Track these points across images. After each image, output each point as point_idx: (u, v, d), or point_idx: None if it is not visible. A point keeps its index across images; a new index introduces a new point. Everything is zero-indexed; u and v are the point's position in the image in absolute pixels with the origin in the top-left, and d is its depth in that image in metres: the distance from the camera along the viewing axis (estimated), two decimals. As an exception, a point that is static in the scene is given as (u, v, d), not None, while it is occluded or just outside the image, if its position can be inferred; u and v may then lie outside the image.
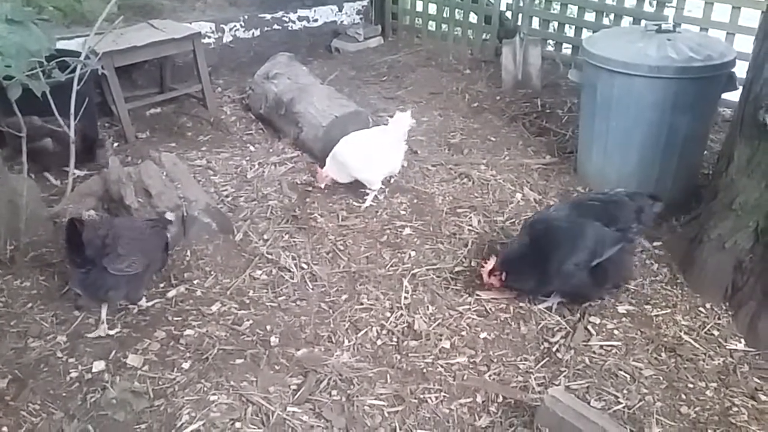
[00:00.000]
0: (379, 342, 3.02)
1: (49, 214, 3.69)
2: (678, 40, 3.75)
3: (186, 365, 2.85)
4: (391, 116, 4.17)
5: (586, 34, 5.73)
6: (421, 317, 3.15)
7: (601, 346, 2.96)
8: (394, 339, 3.03)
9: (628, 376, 2.80)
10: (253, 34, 6.45)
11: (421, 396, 2.72)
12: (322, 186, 4.15)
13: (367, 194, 4.10)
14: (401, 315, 3.17)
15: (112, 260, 2.89)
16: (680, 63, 3.63)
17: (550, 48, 6.25)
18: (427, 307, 3.23)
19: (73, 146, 3.73)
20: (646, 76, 3.69)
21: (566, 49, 6.21)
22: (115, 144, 4.94)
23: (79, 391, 2.71)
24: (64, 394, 2.71)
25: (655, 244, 3.64)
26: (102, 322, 3.03)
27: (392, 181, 4.27)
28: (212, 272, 3.44)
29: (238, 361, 2.88)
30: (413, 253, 3.62)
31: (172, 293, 3.28)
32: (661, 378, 2.79)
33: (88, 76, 3.78)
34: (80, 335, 3.01)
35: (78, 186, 3.93)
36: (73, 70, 3.59)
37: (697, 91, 3.70)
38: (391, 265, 3.53)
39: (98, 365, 2.83)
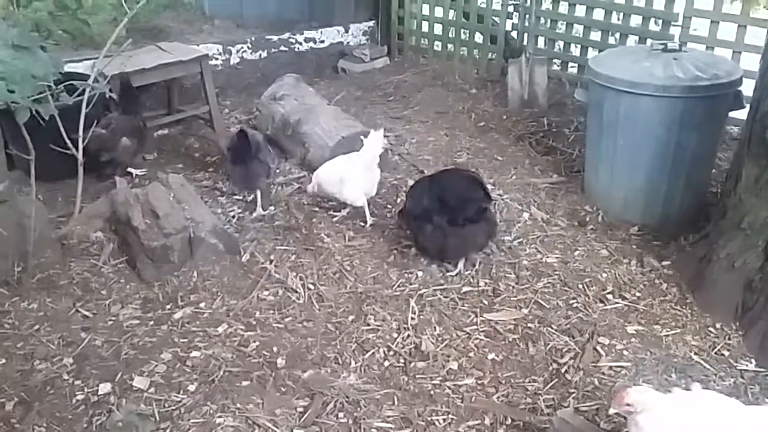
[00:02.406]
0: (386, 363, 3.00)
1: (57, 236, 3.71)
2: (684, 59, 3.76)
3: (192, 387, 2.83)
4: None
5: (592, 53, 5.76)
6: (428, 338, 3.13)
7: (611, 367, 2.93)
8: (402, 360, 3.01)
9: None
10: (260, 55, 6.52)
11: (429, 418, 2.69)
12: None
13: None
14: (408, 336, 3.16)
15: (266, 156, 4.21)
16: (687, 82, 3.63)
17: (556, 67, 6.28)
18: (435, 327, 3.21)
19: (81, 168, 3.75)
20: (653, 95, 3.69)
21: (572, 68, 6.23)
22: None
23: (85, 414, 2.70)
24: (70, 417, 2.69)
25: (664, 263, 3.62)
26: (258, 206, 4.19)
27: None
28: (219, 293, 3.44)
29: (245, 383, 2.86)
30: (420, 274, 3.61)
31: (178, 315, 3.28)
32: (672, 399, 2.75)
33: (97, 98, 3.82)
34: (86, 357, 3.00)
35: (85, 208, 3.95)
36: (82, 93, 3.63)
37: (704, 110, 3.70)
38: (398, 286, 3.52)
39: (104, 387, 2.82)
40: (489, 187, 4.37)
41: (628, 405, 2.10)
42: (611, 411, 2.18)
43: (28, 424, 2.66)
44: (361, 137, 4.12)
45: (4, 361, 2.99)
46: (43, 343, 3.08)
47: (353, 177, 4.00)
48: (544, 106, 5.74)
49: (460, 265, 3.63)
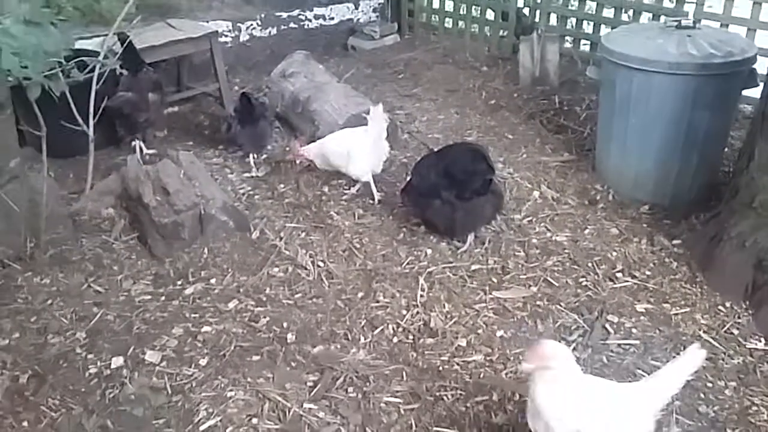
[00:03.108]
0: (395, 340, 3.02)
1: (69, 212, 3.73)
2: (698, 37, 3.71)
3: (203, 361, 2.87)
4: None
5: (604, 30, 5.68)
6: (437, 315, 3.14)
7: (619, 345, 2.94)
8: (410, 337, 3.03)
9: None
10: (269, 32, 6.48)
11: (437, 394, 2.71)
12: (297, 162, 4.32)
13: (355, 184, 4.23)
14: (417, 313, 3.17)
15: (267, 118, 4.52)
16: (700, 59, 3.59)
17: (568, 45, 6.20)
18: (444, 305, 3.22)
19: (92, 145, 3.77)
20: (666, 72, 3.65)
21: (584, 46, 6.16)
22: (134, 143, 4.98)
23: (98, 387, 2.74)
24: (83, 390, 2.74)
25: (674, 242, 3.61)
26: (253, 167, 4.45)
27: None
28: (229, 269, 3.46)
29: (255, 357, 2.90)
30: (429, 251, 3.61)
31: (189, 290, 3.30)
32: (680, 378, 2.76)
33: (107, 75, 3.82)
34: (99, 331, 3.04)
35: (96, 185, 3.97)
36: (92, 70, 3.63)
37: (717, 88, 3.66)
38: (408, 263, 3.52)
39: (117, 361, 2.86)
40: (499, 165, 4.41)
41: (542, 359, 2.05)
42: (524, 367, 2.11)
43: (42, 396, 2.71)
44: (363, 114, 4.12)
45: (17, 335, 3.03)
46: (56, 318, 3.12)
47: (362, 152, 4.01)
48: (555, 84, 5.69)
49: (470, 239, 3.63)
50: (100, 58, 3.70)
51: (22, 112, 3.82)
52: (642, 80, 3.74)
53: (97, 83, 3.73)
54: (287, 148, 4.51)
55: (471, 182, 3.51)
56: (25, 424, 2.59)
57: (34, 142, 3.92)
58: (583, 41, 6.17)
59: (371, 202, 4.09)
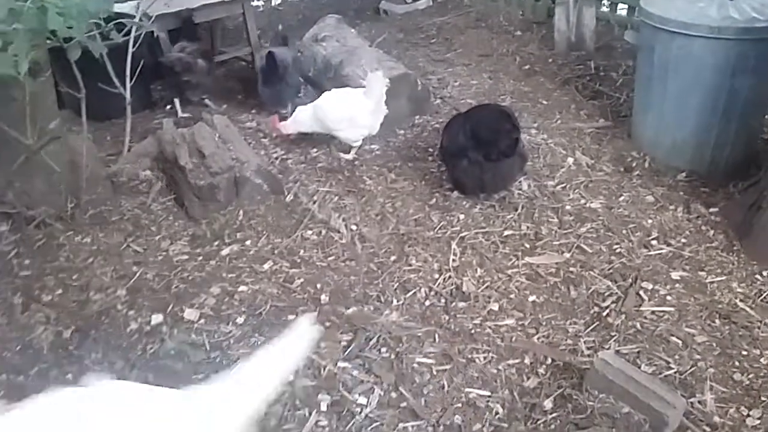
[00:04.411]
0: (427, 303, 3.05)
1: (107, 173, 3.80)
2: (740, 0, 3.61)
3: (240, 320, 2.93)
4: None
5: (643, -6, 5.54)
6: (469, 279, 3.16)
7: (653, 312, 2.93)
8: (442, 300, 3.06)
9: (680, 342, 2.76)
10: (302, -5, 6.45)
11: (469, 356, 2.74)
12: (284, 134, 4.31)
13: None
14: (449, 277, 3.19)
15: (291, 76, 4.61)
16: (742, 23, 3.49)
17: (604, 9, 6.07)
18: (476, 269, 3.23)
19: (129, 107, 3.81)
20: (707, 37, 3.55)
21: (621, 10, 6.02)
22: (168, 106, 5.03)
23: (139, 342, 2.83)
24: (124, 345, 2.82)
25: (711, 210, 3.56)
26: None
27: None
28: (264, 232, 3.51)
29: (290, 317, 2.95)
30: (462, 217, 3.62)
31: (225, 251, 3.36)
32: (715, 345, 2.75)
33: (142, 39, 3.85)
34: (138, 289, 3.12)
35: (133, 147, 4.03)
36: (129, 32, 3.65)
37: (759, 53, 3.55)
38: (440, 228, 3.53)
39: (156, 318, 2.94)
40: (532, 131, 4.37)
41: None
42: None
43: (85, 350, 2.80)
44: (361, 80, 4.09)
45: (60, 291, 3.12)
46: (97, 276, 3.20)
47: (363, 116, 4.04)
48: (591, 49, 5.59)
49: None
50: (136, 20, 3.71)
51: (60, 74, 3.88)
52: (682, 45, 3.66)
53: (133, 46, 3.76)
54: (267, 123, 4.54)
55: (497, 143, 3.52)
56: (69, 376, 2.68)
57: (72, 104, 3.98)
58: (620, 5, 6.03)
59: (407, 166, 4.09)
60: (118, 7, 4.61)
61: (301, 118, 4.21)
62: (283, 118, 4.33)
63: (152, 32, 3.95)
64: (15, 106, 3.05)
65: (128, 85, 3.76)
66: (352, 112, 4.05)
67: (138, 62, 3.89)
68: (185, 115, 4.74)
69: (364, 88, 4.09)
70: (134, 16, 3.91)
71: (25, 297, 3.08)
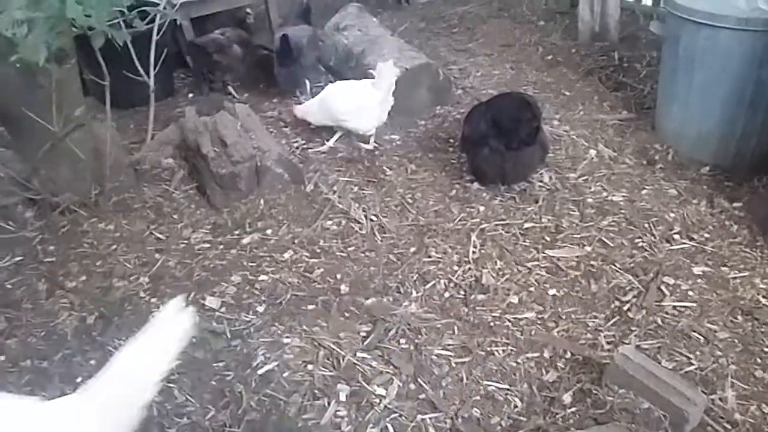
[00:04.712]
0: (446, 294, 3.05)
1: (130, 161, 3.84)
2: (769, -10, 3.54)
3: (261, 309, 2.96)
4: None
5: (669, -16, 5.46)
6: (489, 272, 3.15)
7: (675, 307, 2.90)
8: (462, 292, 3.06)
9: (701, 338, 2.74)
10: (323, -16, 6.42)
11: (488, 349, 2.75)
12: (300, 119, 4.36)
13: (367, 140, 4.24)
14: (469, 269, 3.18)
15: (306, 57, 4.70)
16: (772, 15, 3.44)
17: (629, -1, 5.99)
18: (496, 262, 3.22)
19: (152, 95, 3.83)
20: (734, 28, 3.49)
21: (646, 0, 5.93)
22: (190, 95, 5.07)
23: (161, 329, 2.86)
24: (147, 332, 2.86)
25: (735, 204, 3.51)
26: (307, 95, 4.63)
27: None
28: (284, 221, 3.53)
29: (310, 306, 2.97)
30: (482, 208, 3.61)
31: (246, 240, 3.39)
32: (737, 341, 2.72)
33: (166, 27, 3.87)
34: (161, 277, 3.16)
35: (156, 135, 4.07)
36: (153, 20, 3.67)
37: (788, 46, 3.50)
38: (460, 220, 3.53)
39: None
40: (554, 122, 4.34)
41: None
42: None
43: (108, 337, 2.85)
44: (370, 70, 4.09)
45: (84, 278, 3.18)
46: (121, 263, 3.24)
47: (372, 107, 4.04)
48: (615, 40, 5.51)
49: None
50: (160, 8, 3.72)
51: (85, 61, 3.91)
52: (708, 36, 3.60)
53: (157, 34, 3.77)
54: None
55: (518, 131, 3.51)
56: (92, 362, 2.73)
57: (96, 92, 4.02)
58: (645, -5, 5.94)
59: (428, 157, 4.07)
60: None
61: (310, 111, 4.23)
62: (298, 102, 4.37)
63: (175, 20, 3.94)
64: (41, 93, 3.09)
65: (152, 73, 3.78)
66: (359, 102, 4.06)
67: (161, 50, 3.91)
68: (239, 98, 4.94)
69: (373, 78, 4.08)
70: (158, 4, 3.92)
71: (49, 283, 3.13)
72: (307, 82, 4.82)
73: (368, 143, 4.20)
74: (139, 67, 3.73)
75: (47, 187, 3.39)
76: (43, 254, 3.31)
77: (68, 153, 3.31)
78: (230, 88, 5.00)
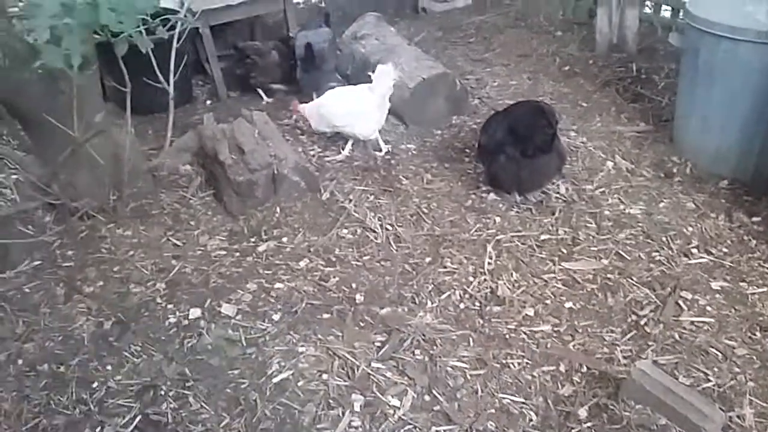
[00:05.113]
0: (461, 305, 3.04)
1: (149, 167, 3.87)
2: (791, 5, 3.52)
3: (276, 317, 2.97)
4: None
5: (688, -5, 5.44)
6: (504, 283, 3.14)
7: (692, 322, 2.88)
8: (477, 304, 3.05)
9: (719, 354, 2.72)
10: (342, -8, 6.45)
11: (504, 361, 2.74)
12: (293, 116, 4.51)
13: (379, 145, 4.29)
14: (484, 280, 3.18)
15: (327, 63, 4.85)
16: (793, 29, 3.41)
17: (647, 10, 5.96)
18: (511, 273, 3.21)
19: (172, 102, 3.86)
20: (754, 41, 3.47)
21: (665, 11, 5.90)
22: (208, 102, 5.11)
23: (177, 336, 2.88)
24: (163, 338, 2.88)
25: (754, 219, 3.48)
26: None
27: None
28: (300, 229, 3.54)
29: (325, 315, 2.97)
30: (498, 219, 3.60)
31: (262, 247, 3.40)
32: (755, 357, 2.69)
33: (186, 34, 3.90)
34: (177, 283, 3.17)
35: (174, 142, 4.09)
36: (173, 28, 3.70)
37: (809, 59, 3.47)
38: (476, 230, 3.52)
39: (195, 312, 2.99)
40: (571, 133, 4.32)
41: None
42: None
43: (125, 342, 2.87)
44: (369, 73, 4.11)
45: (101, 283, 3.20)
46: (138, 268, 3.26)
47: (370, 111, 4.05)
48: (633, 51, 5.49)
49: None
50: (181, 16, 3.76)
51: (105, 68, 3.95)
52: (728, 49, 3.58)
53: (177, 41, 3.81)
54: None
55: (533, 138, 3.51)
56: (108, 367, 2.75)
57: (115, 98, 4.05)
58: (664, 7, 5.90)
59: (444, 166, 4.07)
60: (163, 2, 4.71)
61: (310, 116, 4.25)
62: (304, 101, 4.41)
63: (197, 28, 3.98)
64: (62, 99, 3.12)
65: (172, 80, 3.81)
66: (354, 108, 4.07)
67: (181, 57, 3.94)
68: (269, 100, 5.09)
69: (371, 82, 4.09)
70: (179, 12, 3.96)
71: (67, 288, 3.16)
72: (329, 86, 4.84)
73: (381, 150, 4.22)
74: (159, 74, 3.76)
75: (66, 192, 3.42)
76: (62, 259, 3.34)
77: (88, 158, 3.34)
78: (260, 91, 5.09)
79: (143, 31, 3.18)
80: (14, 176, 3.82)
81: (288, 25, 5.29)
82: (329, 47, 4.94)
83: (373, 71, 4.09)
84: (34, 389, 2.65)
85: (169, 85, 3.78)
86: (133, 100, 3.65)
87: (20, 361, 2.78)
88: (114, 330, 2.94)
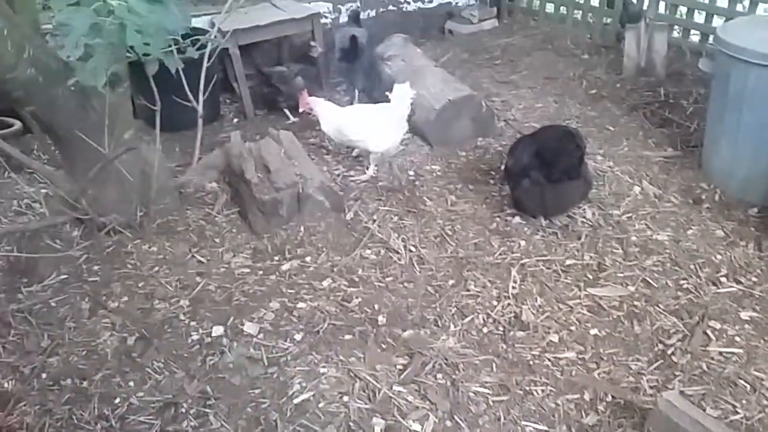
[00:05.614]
0: (485, 330, 3.01)
1: (175, 184, 3.91)
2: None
3: (298, 337, 2.96)
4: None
5: (717, 21, 5.40)
6: (528, 308, 3.11)
7: (721, 353, 2.82)
8: (501, 328, 3.02)
9: (748, 386, 2.66)
10: (368, 14, 6.50)
11: (527, 388, 2.70)
12: (300, 109, 4.51)
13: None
14: (508, 304, 3.15)
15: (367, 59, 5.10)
16: (825, 56, 3.36)
17: (676, 35, 5.93)
18: (536, 298, 3.18)
19: (200, 121, 3.91)
20: (786, 68, 3.44)
21: (694, 36, 5.87)
22: (235, 120, 5.16)
23: (199, 353, 2.88)
24: (185, 355, 2.88)
25: (785, 248, 3.42)
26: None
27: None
28: (324, 249, 3.54)
29: (347, 336, 2.96)
30: (523, 243, 3.57)
31: (286, 266, 3.40)
32: (785, 391, 2.63)
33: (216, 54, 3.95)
34: (201, 300, 3.19)
35: (201, 159, 4.13)
36: (203, 47, 3.75)
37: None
38: (500, 254, 3.50)
39: (217, 330, 2.99)
40: (598, 158, 4.29)
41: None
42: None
43: (148, 358, 2.87)
44: (387, 93, 4.14)
45: (126, 298, 3.22)
46: (162, 285, 3.28)
47: (385, 127, 4.10)
48: (661, 76, 5.46)
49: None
50: (212, 36, 3.81)
51: (136, 86, 4.01)
52: (759, 75, 3.55)
53: (208, 61, 3.85)
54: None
55: (559, 163, 3.48)
56: (131, 384, 2.76)
57: (144, 115, 4.11)
58: (693, 31, 5.88)
59: (469, 188, 4.07)
60: (193, 22, 4.79)
61: (326, 129, 4.29)
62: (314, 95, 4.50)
63: (226, 48, 4.03)
64: (94, 116, 3.17)
65: (201, 99, 3.85)
66: (372, 123, 4.10)
67: (210, 76, 3.99)
68: (296, 119, 5.14)
69: (389, 102, 4.12)
70: (208, 31, 4.01)
71: (92, 302, 3.19)
72: (357, 89, 5.17)
73: (366, 170, 4.29)
74: (189, 93, 3.81)
75: (94, 207, 3.46)
76: (88, 273, 3.38)
77: (116, 175, 3.38)
78: (286, 111, 5.16)
79: (173, 51, 3.24)
80: (44, 190, 3.89)
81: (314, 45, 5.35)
82: (367, 42, 5.18)
83: (391, 90, 4.12)
84: (57, 403, 2.67)
85: (198, 103, 3.83)
86: (162, 117, 3.70)
87: (44, 375, 2.81)
88: (137, 346, 2.95)
